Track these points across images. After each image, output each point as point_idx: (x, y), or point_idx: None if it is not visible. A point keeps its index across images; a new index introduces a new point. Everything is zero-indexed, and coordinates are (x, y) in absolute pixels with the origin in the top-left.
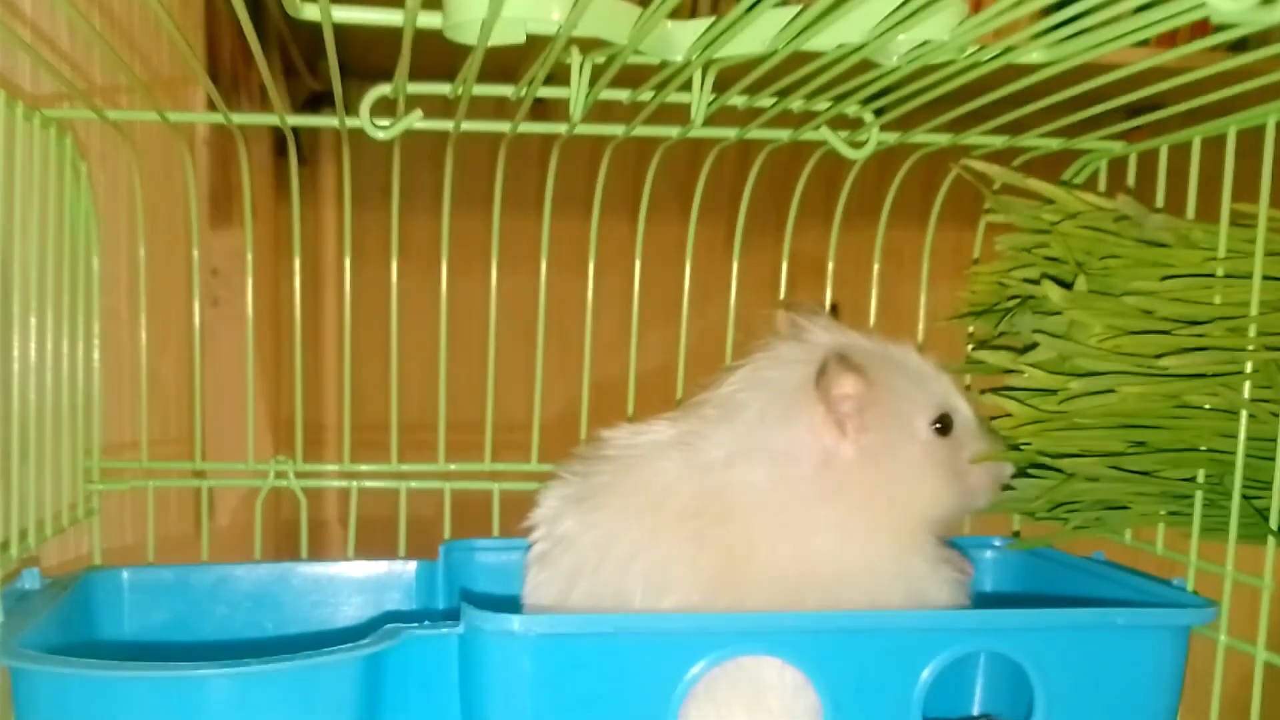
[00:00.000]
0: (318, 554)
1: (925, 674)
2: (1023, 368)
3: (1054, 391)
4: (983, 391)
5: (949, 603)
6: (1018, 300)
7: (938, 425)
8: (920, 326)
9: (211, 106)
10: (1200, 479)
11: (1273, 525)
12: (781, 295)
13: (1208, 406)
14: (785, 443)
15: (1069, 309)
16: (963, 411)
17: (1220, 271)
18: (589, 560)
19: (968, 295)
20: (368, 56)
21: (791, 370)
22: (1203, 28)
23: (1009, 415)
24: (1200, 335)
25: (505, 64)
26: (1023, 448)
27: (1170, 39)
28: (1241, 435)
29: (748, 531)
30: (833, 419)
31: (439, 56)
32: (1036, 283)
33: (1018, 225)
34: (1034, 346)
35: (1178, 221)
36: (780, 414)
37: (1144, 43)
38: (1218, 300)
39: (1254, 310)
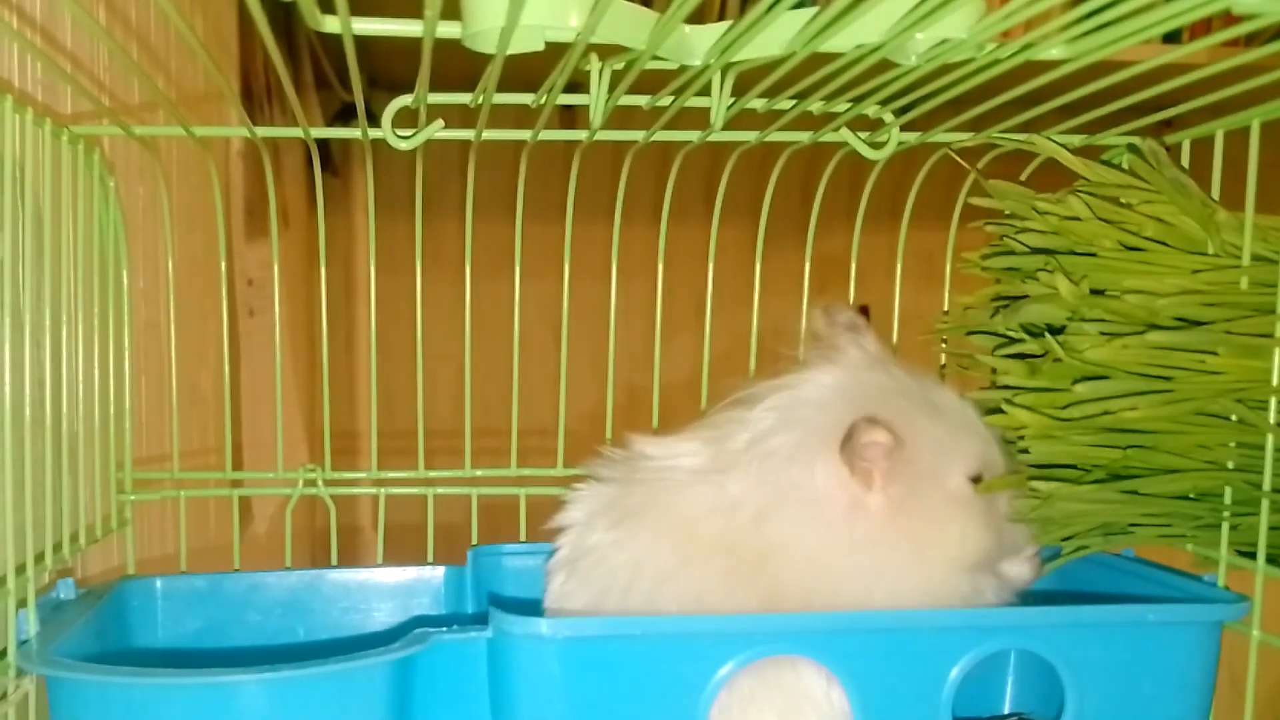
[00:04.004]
0: (352, 560)
1: (954, 673)
2: (1009, 364)
3: (1054, 390)
4: (983, 388)
5: None
6: (1009, 300)
7: (974, 479)
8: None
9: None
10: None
11: None
12: (806, 296)
13: (1234, 418)
14: (815, 491)
15: (1079, 306)
16: (998, 465)
17: (1246, 263)
18: (620, 578)
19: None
20: (395, 67)
21: (823, 414)
22: (1231, 19)
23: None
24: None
25: (527, 72)
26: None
27: (1205, 29)
28: (1272, 416)
29: (779, 576)
30: (860, 473)
31: (461, 66)
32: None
33: (1003, 212)
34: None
35: (1196, 189)
36: (809, 461)
37: (1174, 36)
38: (1244, 284)
39: None
